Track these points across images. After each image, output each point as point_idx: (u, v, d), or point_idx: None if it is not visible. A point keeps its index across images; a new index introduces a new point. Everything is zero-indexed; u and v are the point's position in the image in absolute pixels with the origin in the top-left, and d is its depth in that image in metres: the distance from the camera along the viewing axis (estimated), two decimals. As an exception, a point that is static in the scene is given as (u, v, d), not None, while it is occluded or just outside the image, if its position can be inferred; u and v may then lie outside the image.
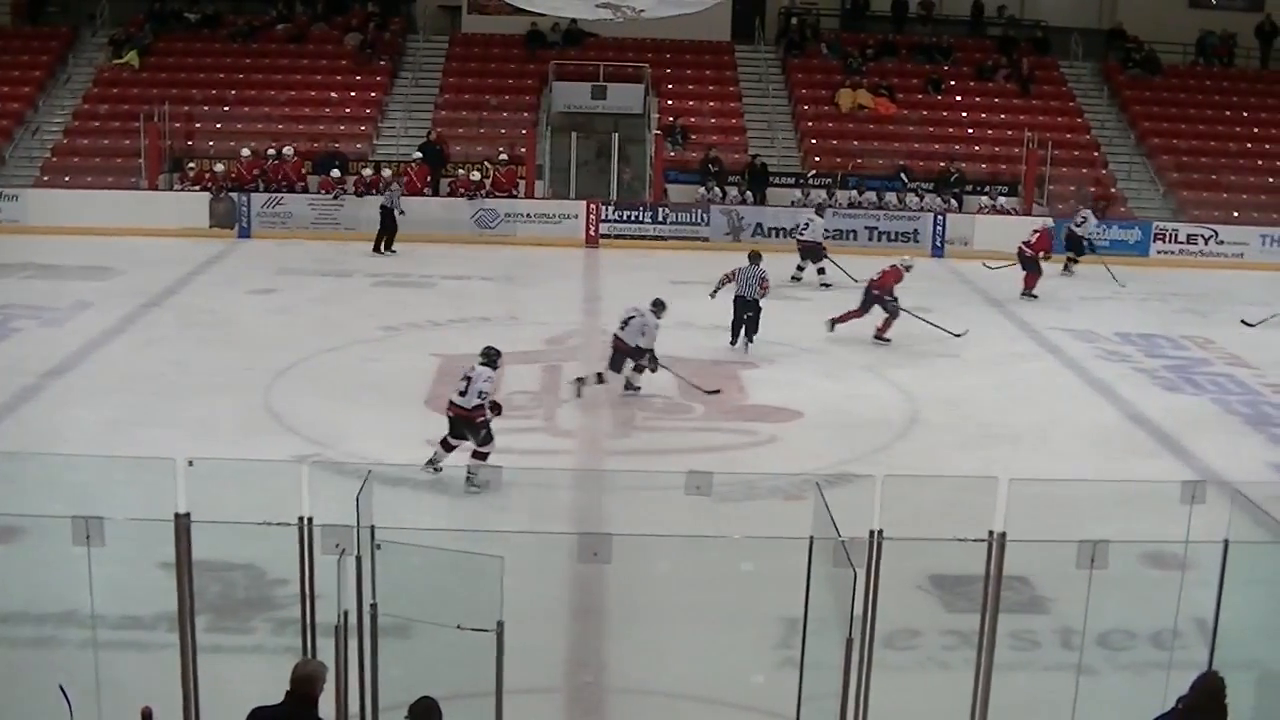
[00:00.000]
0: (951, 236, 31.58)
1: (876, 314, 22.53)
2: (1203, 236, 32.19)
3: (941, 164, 33.68)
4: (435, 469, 14.93)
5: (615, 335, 18.71)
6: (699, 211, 31.87)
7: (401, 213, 29.65)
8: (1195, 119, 36.77)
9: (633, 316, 18.62)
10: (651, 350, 18.64)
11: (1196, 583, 9.58)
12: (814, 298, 25.50)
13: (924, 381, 20.42)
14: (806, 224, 28.08)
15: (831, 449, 16.81)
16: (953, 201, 32.84)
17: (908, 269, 22.97)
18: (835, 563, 8.17)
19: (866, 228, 31.18)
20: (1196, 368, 22.29)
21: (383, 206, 29.65)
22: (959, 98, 36.78)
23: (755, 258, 22.21)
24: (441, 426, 15.27)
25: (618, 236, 31.41)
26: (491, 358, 15.18)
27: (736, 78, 37.23)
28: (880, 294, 22.52)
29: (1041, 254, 27.25)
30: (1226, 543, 8.98)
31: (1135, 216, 32.77)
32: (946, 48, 38.05)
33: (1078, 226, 30.02)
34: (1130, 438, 18.45)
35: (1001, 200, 33.09)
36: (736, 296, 21.84)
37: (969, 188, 33.29)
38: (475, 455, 14.91)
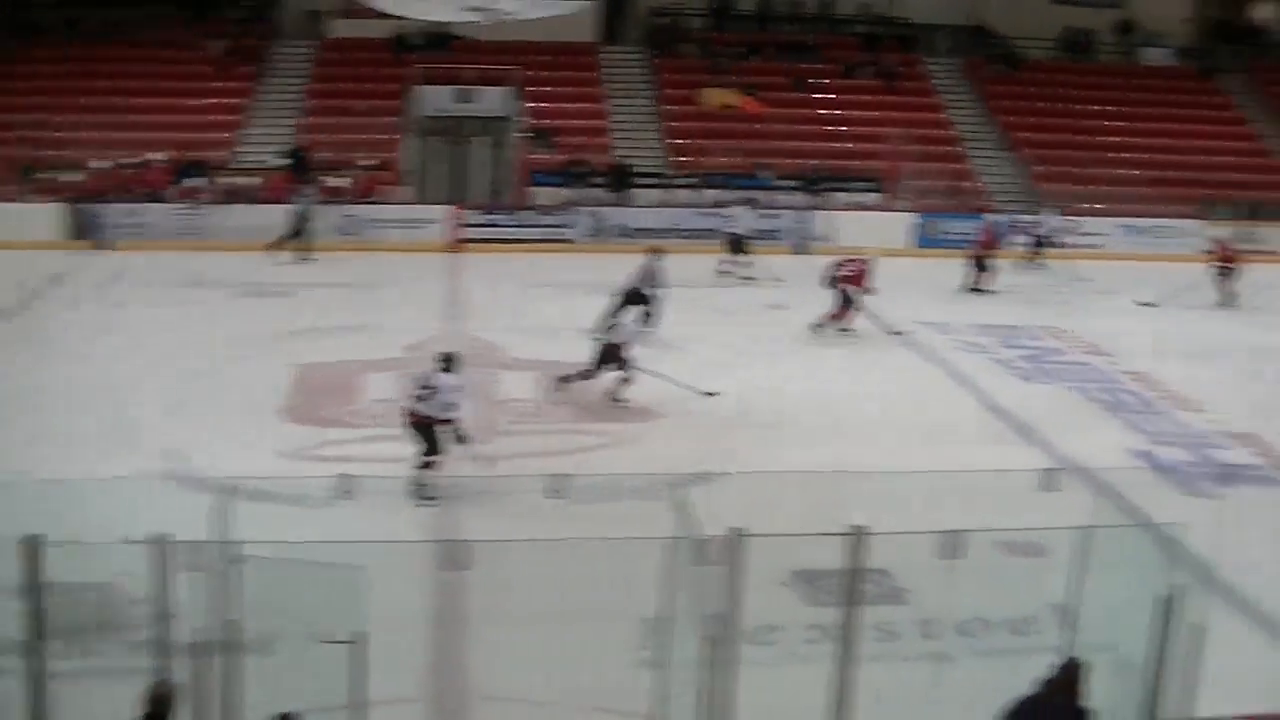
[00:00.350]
0: (816, 233, 31.76)
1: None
2: (1065, 228, 32.67)
3: (807, 161, 33.88)
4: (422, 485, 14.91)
5: (600, 337, 19.03)
6: (563, 213, 31.83)
7: (310, 220, 29.39)
8: (1057, 113, 37.37)
9: (618, 324, 19.19)
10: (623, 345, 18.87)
11: (1053, 568, 9.72)
12: (675, 297, 25.48)
13: (786, 378, 20.55)
14: (733, 217, 28.90)
15: (693, 447, 16.81)
16: (817, 198, 33.06)
17: (868, 264, 23.60)
18: (697, 561, 8.21)
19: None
20: (1054, 356, 22.65)
21: (295, 213, 29.27)
22: (825, 95, 37.04)
23: (654, 253, 22.86)
24: (301, 438, 15.07)
25: (483, 240, 31.24)
26: (452, 363, 15.16)
27: (602, 79, 37.24)
28: (850, 290, 23.29)
29: (989, 251, 28.04)
30: (1083, 528, 9.13)
31: (998, 210, 33.18)
32: (813, 46, 38.32)
33: (1037, 229, 31.05)
34: (989, 428, 18.70)
35: (865, 196, 33.41)
36: (631, 289, 22.15)
37: (833, 185, 33.52)
38: (423, 465, 14.84)
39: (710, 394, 19.06)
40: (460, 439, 14.91)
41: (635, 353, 18.93)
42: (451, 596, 11.90)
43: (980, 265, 27.95)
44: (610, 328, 19.17)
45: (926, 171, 34.15)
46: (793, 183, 33.42)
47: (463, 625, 11.76)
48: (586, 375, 18.84)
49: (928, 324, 24.28)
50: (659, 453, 16.74)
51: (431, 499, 14.68)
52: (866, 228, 31.30)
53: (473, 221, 31.51)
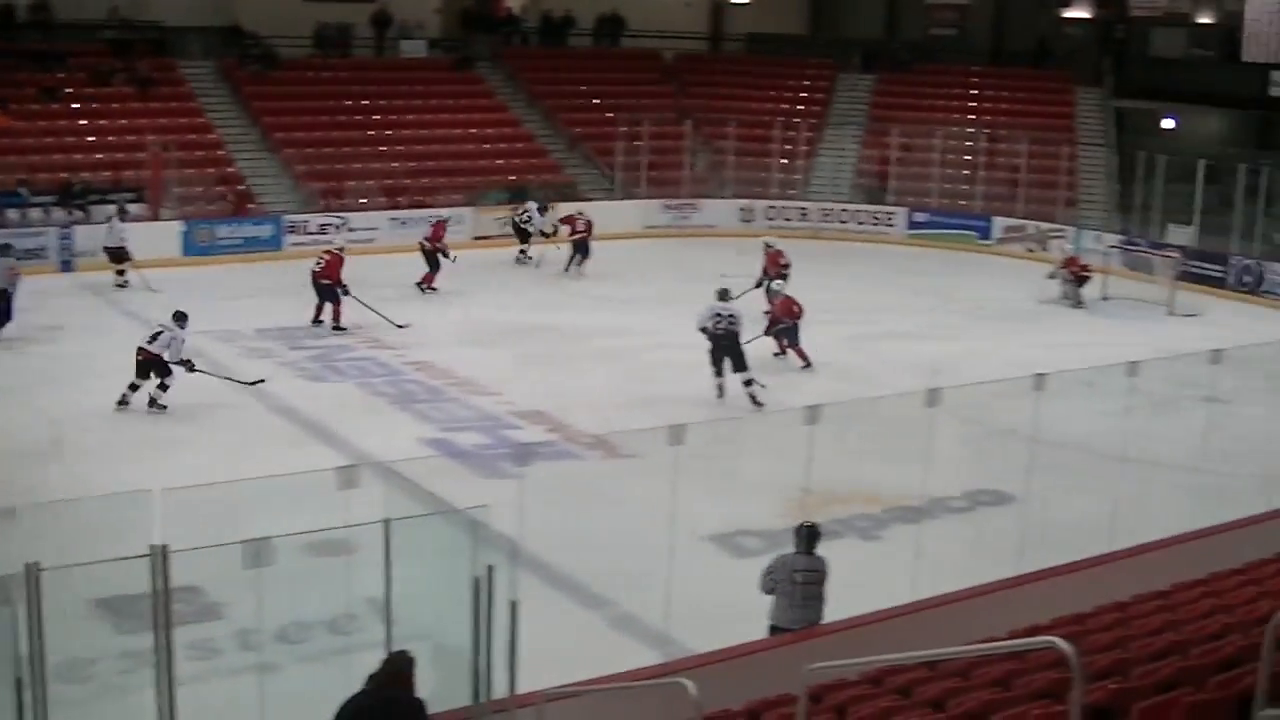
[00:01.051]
0: (81, 249, 30.31)
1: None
2: (334, 225, 32.87)
3: (63, 175, 32.41)
4: None
5: (142, 348, 19.50)
6: None
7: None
8: (318, 110, 37.37)
9: (160, 331, 19.59)
10: (187, 359, 19.83)
11: (364, 564, 9.74)
12: None
13: (69, 399, 19.71)
14: (110, 229, 28.71)
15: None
16: (78, 213, 31.65)
17: (341, 250, 25.29)
18: (-8, 602, 7.74)
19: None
20: (339, 354, 22.84)
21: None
22: (77, 105, 35.49)
23: (3, 250, 23.27)
24: None
25: None
26: None
27: None
28: (331, 284, 24.62)
29: (439, 248, 28.67)
30: (387, 521, 9.17)
31: (268, 212, 33.01)
32: (61, 54, 36.57)
33: (525, 223, 32.36)
34: (282, 431, 18.71)
35: (131, 207, 32.30)
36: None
37: (94, 197, 32.16)
38: None
39: (256, 382, 20.56)
40: None
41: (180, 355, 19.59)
42: None
43: (431, 263, 28.60)
44: (153, 338, 19.53)
45: (191, 178, 33.48)
46: (50, 198, 31.76)
47: None
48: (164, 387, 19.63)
49: (209, 333, 23.75)
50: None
51: None
52: (135, 238, 30.33)
53: None
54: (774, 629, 11.59)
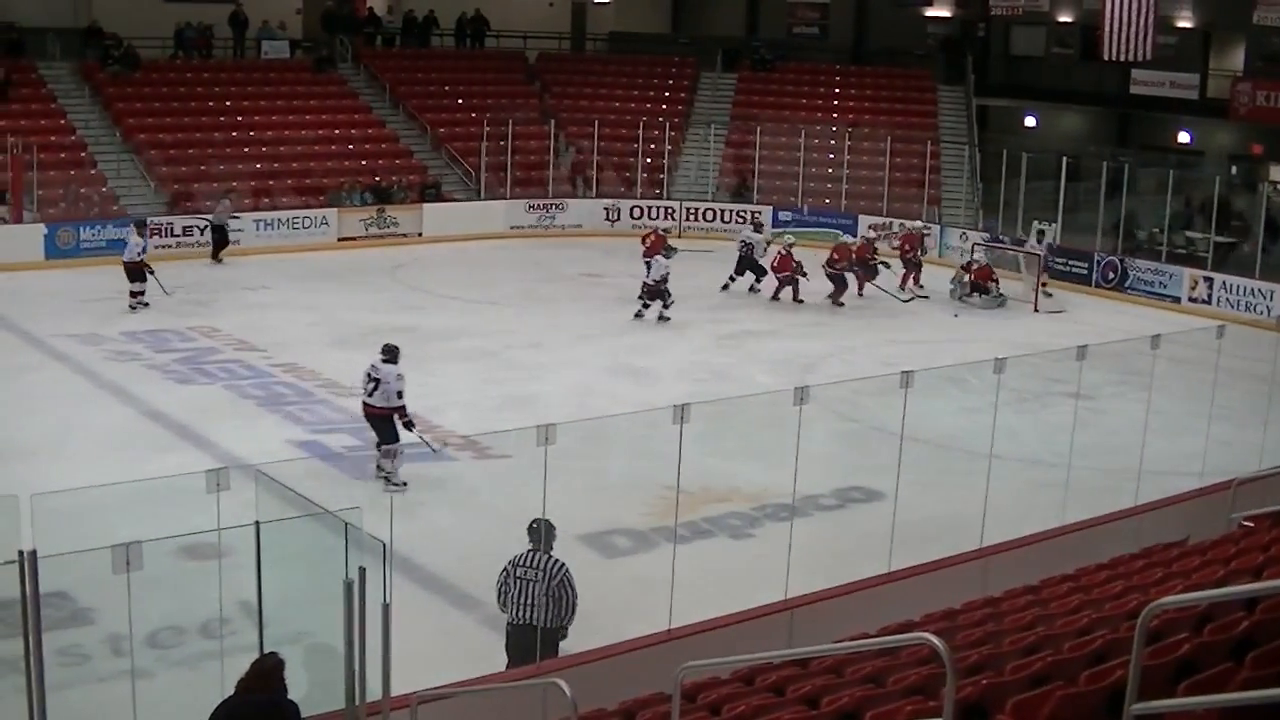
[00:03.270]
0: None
1: None
2: (199, 227, 32.52)
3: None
4: (386, 474, 16.05)
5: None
6: None
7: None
8: (179, 111, 36.91)
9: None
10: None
11: (236, 567, 9.71)
12: None
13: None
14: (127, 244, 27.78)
15: None
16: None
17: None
18: None
19: None
20: (206, 357, 22.63)
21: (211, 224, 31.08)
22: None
23: None
24: None
25: None
26: (394, 354, 16.86)
27: None
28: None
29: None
30: (258, 524, 9.16)
31: (128, 214, 32.54)
32: (-87, 58, 35.80)
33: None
34: (148, 435, 18.48)
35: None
36: None
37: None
38: (386, 454, 16.14)
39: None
40: (407, 426, 16.53)
41: None
42: None
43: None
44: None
45: (53, 180, 32.93)
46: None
47: None
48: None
49: (74, 336, 23.49)
50: None
51: (400, 485, 15.67)
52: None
53: None
54: None
